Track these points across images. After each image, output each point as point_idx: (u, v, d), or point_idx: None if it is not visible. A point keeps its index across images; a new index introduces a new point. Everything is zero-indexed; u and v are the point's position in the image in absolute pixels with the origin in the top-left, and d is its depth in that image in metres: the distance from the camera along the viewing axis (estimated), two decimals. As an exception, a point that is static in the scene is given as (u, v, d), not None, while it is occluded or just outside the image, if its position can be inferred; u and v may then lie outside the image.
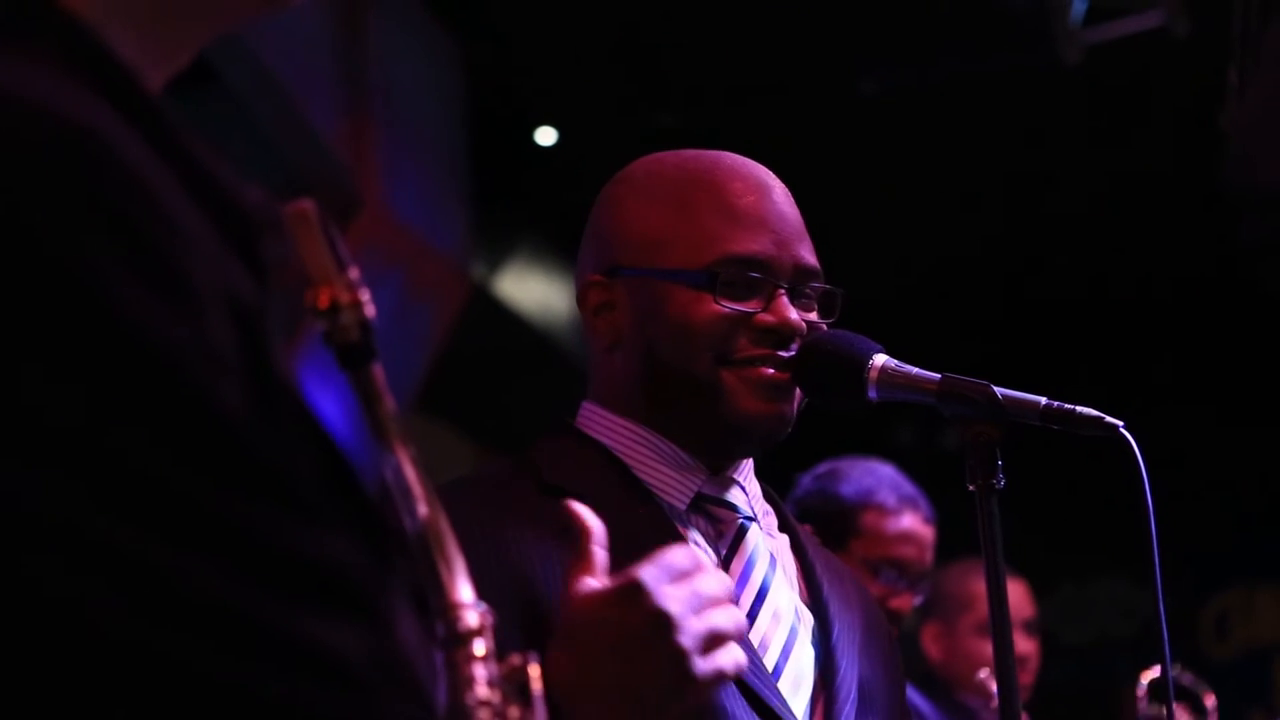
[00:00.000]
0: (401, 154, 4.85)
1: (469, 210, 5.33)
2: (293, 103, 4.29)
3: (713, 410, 1.52)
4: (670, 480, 1.54)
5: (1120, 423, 1.50)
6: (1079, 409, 1.50)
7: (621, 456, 1.54)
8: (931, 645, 3.59)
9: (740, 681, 1.43)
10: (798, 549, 1.60)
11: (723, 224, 1.53)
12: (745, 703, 1.43)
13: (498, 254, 5.66)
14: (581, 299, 1.60)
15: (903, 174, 5.73)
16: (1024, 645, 3.54)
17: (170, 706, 0.61)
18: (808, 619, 1.55)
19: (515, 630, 1.38)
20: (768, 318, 1.52)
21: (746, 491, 1.58)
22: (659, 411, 1.55)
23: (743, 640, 1.45)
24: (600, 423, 1.57)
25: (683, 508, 1.53)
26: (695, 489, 1.54)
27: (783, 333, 1.52)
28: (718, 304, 1.51)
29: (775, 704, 1.45)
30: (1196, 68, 4.29)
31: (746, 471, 1.59)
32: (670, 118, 5.14)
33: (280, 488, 0.64)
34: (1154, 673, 3.71)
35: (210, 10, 0.76)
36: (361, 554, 0.68)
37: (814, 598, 1.58)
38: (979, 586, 3.44)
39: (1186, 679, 3.71)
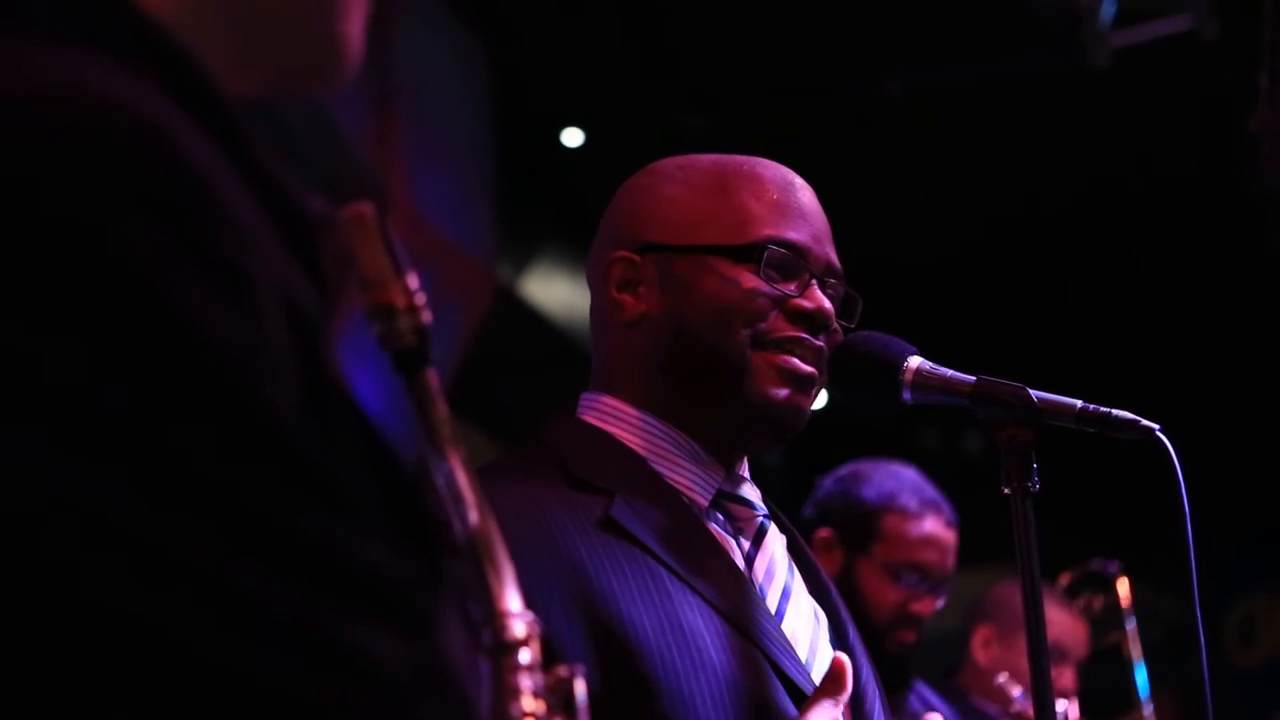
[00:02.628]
0: (428, 154, 4.86)
1: (495, 211, 5.33)
2: (319, 102, 4.30)
3: (738, 392, 1.50)
4: (693, 477, 1.52)
5: (1156, 426, 1.49)
6: (1114, 412, 1.49)
7: (638, 450, 1.52)
8: (980, 649, 3.57)
9: (786, 679, 1.44)
10: (795, 549, 1.60)
11: (765, 210, 1.54)
12: (793, 701, 1.43)
13: (523, 255, 5.66)
14: (604, 275, 1.56)
15: (928, 175, 5.71)
16: (1068, 681, 3.53)
17: (204, 702, 0.61)
18: (823, 619, 1.56)
19: (574, 624, 1.38)
20: (804, 302, 1.51)
21: (756, 489, 1.57)
22: (677, 393, 1.52)
23: (778, 639, 1.46)
24: (612, 414, 1.54)
25: (705, 504, 1.52)
26: (716, 486, 1.53)
27: (817, 319, 1.52)
28: (760, 278, 1.50)
29: None
30: (1226, 71, 4.28)
31: (747, 470, 1.58)
32: (696, 119, 5.15)
33: (325, 491, 0.65)
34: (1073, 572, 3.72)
35: (275, 67, 0.77)
36: (406, 559, 0.68)
37: (822, 598, 1.58)
38: (1051, 613, 3.43)
39: (1098, 565, 3.71)
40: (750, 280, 1.50)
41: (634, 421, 1.53)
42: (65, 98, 0.63)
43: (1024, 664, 3.75)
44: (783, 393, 1.50)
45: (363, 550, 0.65)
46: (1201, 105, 5.08)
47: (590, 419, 1.55)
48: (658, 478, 1.50)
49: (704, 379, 1.51)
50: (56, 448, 0.60)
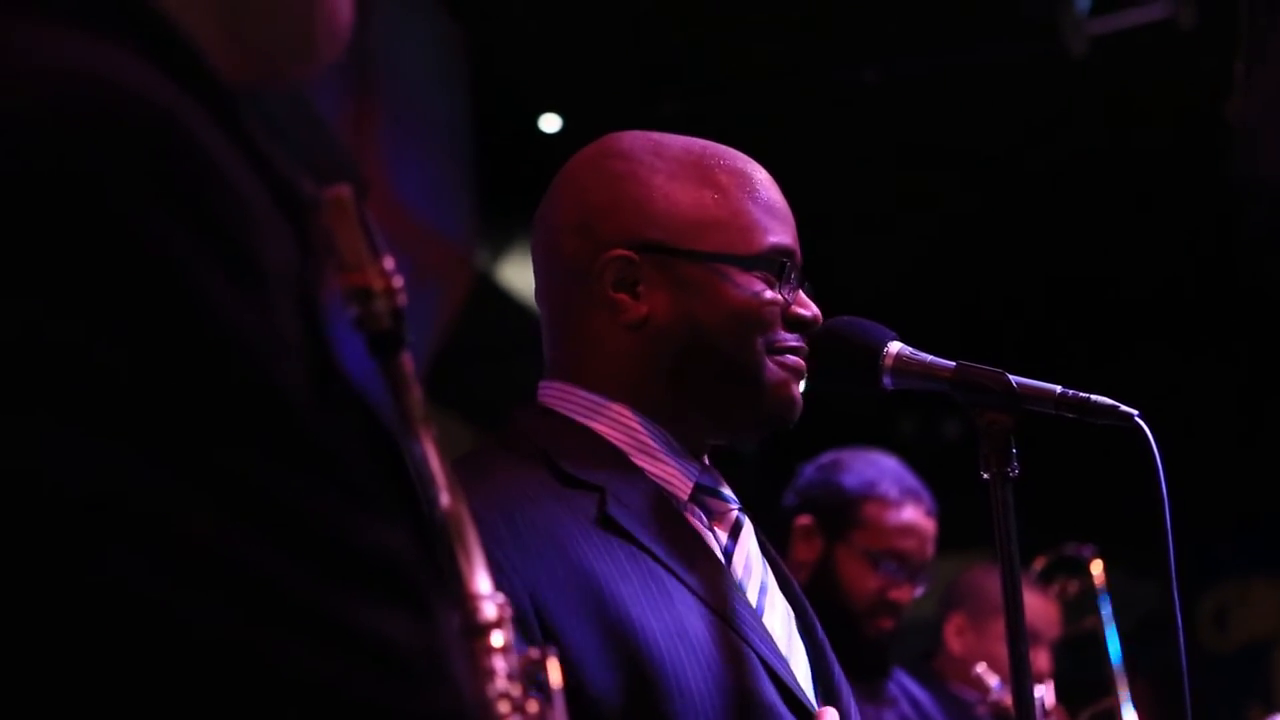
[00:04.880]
0: (405, 140, 4.84)
1: (473, 197, 5.32)
2: (297, 88, 4.28)
3: (754, 396, 1.51)
4: (673, 470, 1.51)
5: (1135, 412, 1.50)
6: (1094, 398, 1.50)
7: (618, 444, 1.50)
8: (954, 637, 3.59)
9: (778, 680, 1.44)
10: (759, 539, 1.60)
11: (762, 214, 1.54)
12: (780, 697, 1.44)
13: (501, 241, 5.65)
14: (598, 274, 1.52)
15: (906, 164, 5.72)
16: (1043, 662, 3.55)
17: (223, 687, 0.61)
18: (791, 611, 1.56)
19: (588, 629, 1.37)
20: (802, 311, 1.53)
21: (724, 481, 1.57)
22: (678, 395, 1.51)
23: (763, 634, 1.46)
24: (585, 406, 1.52)
25: (684, 499, 1.51)
26: (694, 480, 1.52)
27: (812, 325, 1.54)
28: (770, 287, 1.51)
29: (803, 698, 1.46)
30: (1202, 60, 4.29)
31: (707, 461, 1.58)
32: (674, 105, 5.14)
33: (340, 475, 0.65)
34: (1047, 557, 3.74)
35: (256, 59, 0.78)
36: (411, 542, 0.68)
37: (786, 589, 1.58)
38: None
39: (1073, 549, 3.73)
40: (760, 289, 1.51)
41: (611, 415, 1.52)
42: (79, 81, 0.64)
43: (997, 650, 3.78)
44: (792, 392, 1.53)
45: (374, 534, 0.65)
46: (1178, 93, 5.10)
47: (566, 412, 1.53)
48: (640, 473, 1.50)
49: (719, 386, 1.51)
50: (70, 430, 0.60)
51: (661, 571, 1.43)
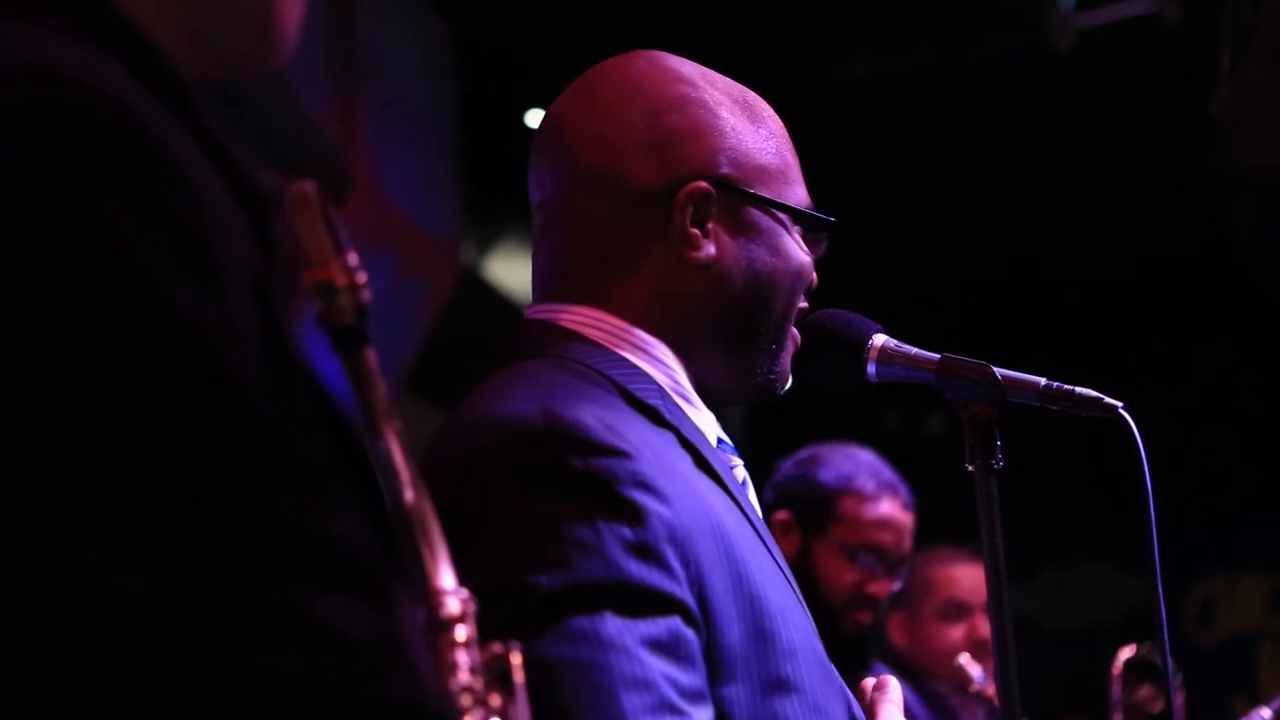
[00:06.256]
0: (392, 135, 4.83)
1: (459, 193, 5.32)
2: (283, 82, 4.27)
3: (774, 359, 1.45)
4: (705, 419, 1.44)
5: (1120, 404, 1.50)
6: (1078, 390, 1.50)
7: (662, 385, 1.40)
8: (898, 634, 3.60)
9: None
10: None
11: (798, 171, 1.50)
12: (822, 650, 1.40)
13: (488, 237, 5.65)
14: (681, 204, 1.40)
15: (892, 159, 5.73)
16: (985, 628, 3.56)
17: (174, 674, 0.61)
18: None
19: (722, 576, 1.29)
20: (814, 276, 1.50)
21: None
22: (717, 344, 1.43)
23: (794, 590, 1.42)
24: (630, 341, 1.41)
25: (713, 447, 1.43)
26: (716, 431, 1.46)
27: (811, 291, 1.51)
28: (807, 246, 1.48)
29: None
30: (1188, 53, 4.29)
31: None
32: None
33: (294, 465, 0.65)
34: (1129, 652, 3.69)
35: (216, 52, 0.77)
36: (369, 532, 0.68)
37: None
38: (939, 571, 3.50)
39: (1158, 656, 3.69)
40: (804, 247, 1.47)
41: (655, 354, 1.42)
42: (29, 72, 0.64)
43: (934, 630, 3.79)
44: (790, 365, 1.49)
45: (329, 523, 0.66)
46: (1164, 87, 5.11)
47: (609, 345, 1.41)
48: (687, 416, 1.41)
49: (758, 339, 1.44)
50: (18, 420, 0.60)
51: (748, 523, 1.37)
